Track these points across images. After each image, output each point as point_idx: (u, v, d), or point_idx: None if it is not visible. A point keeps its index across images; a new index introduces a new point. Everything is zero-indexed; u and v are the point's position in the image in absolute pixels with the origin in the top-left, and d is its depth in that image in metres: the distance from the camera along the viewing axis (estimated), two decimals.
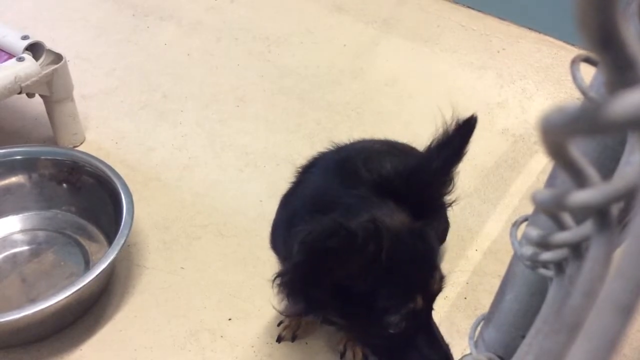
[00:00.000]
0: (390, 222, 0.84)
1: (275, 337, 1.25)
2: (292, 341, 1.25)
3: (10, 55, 1.45)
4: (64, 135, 1.63)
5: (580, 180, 0.27)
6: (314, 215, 0.85)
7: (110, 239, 1.33)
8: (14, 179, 1.43)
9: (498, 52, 2.13)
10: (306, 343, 1.26)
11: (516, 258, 0.69)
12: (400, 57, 2.08)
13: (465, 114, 0.87)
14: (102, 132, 1.72)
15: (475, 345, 0.74)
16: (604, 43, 0.19)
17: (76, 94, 1.61)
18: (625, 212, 0.27)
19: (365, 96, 1.91)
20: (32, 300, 1.21)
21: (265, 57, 2.02)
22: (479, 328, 0.76)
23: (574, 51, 2.05)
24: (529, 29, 2.23)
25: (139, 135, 1.72)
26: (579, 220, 0.34)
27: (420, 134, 1.03)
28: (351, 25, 2.22)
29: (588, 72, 0.46)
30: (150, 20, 2.17)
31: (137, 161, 1.64)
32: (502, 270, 0.74)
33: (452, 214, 1.29)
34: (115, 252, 1.20)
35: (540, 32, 2.21)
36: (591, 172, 0.27)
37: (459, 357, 0.93)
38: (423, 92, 1.94)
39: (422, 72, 2.03)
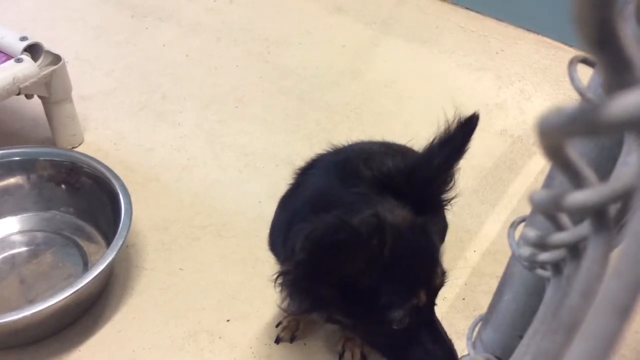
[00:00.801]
0: (392, 217, 0.84)
1: (274, 338, 1.25)
2: (291, 342, 1.25)
3: (9, 56, 1.45)
4: (63, 136, 1.63)
5: (577, 181, 0.27)
6: (315, 214, 0.85)
7: (108, 240, 1.33)
8: (12, 180, 1.43)
9: (496, 53, 2.13)
10: (305, 344, 1.26)
11: (514, 259, 0.69)
12: (400, 58, 2.08)
13: (464, 115, 0.88)
14: (101, 133, 1.72)
15: (473, 346, 0.74)
16: (602, 44, 0.20)
17: (75, 95, 1.61)
18: (623, 213, 0.27)
19: (364, 97, 1.91)
20: (31, 302, 1.21)
21: (264, 58, 2.02)
22: (477, 329, 0.76)
23: (572, 52, 2.05)
24: (528, 30, 2.23)
25: (138, 136, 1.72)
26: (576, 221, 0.34)
27: (419, 135, 1.03)
28: (350, 26, 2.23)
29: (586, 73, 0.46)
30: (149, 21, 2.17)
31: (136, 162, 1.64)
32: (500, 271, 0.75)
33: (450, 214, 1.29)
34: (114, 253, 1.20)
35: (538, 34, 2.21)
36: (588, 173, 0.27)
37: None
38: (422, 93, 1.94)
39: (421, 73, 2.03)
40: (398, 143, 1.23)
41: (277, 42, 2.09)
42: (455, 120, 0.84)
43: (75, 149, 1.63)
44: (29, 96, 1.50)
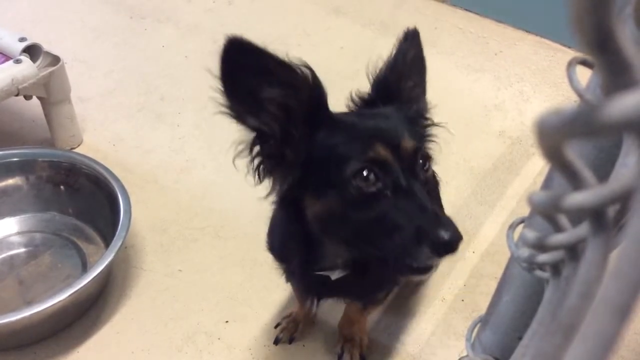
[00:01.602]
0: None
1: (273, 340, 1.25)
2: (290, 343, 1.25)
3: (8, 57, 1.45)
4: (62, 137, 1.63)
5: (576, 182, 0.27)
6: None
7: (107, 241, 1.33)
8: (11, 181, 1.42)
9: (495, 54, 2.13)
10: (303, 345, 1.26)
11: (513, 260, 0.69)
12: None
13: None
14: (100, 134, 1.72)
15: (472, 347, 0.74)
16: (600, 46, 0.20)
17: (73, 96, 1.61)
18: (622, 214, 0.27)
19: None
20: (29, 303, 1.21)
21: None
22: (475, 330, 0.76)
23: (571, 54, 2.05)
24: (526, 31, 2.24)
25: (137, 137, 1.72)
26: (575, 223, 0.34)
27: None
28: (349, 27, 2.23)
29: (585, 75, 0.46)
30: (147, 22, 2.17)
31: (134, 163, 1.63)
32: (499, 272, 0.75)
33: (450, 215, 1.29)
34: (113, 255, 1.20)
35: (537, 35, 2.22)
36: (587, 174, 0.27)
37: (456, 359, 0.93)
38: None
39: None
40: None
41: (275, 43, 2.08)
42: (400, 39, 0.96)
43: (74, 150, 1.63)
44: (27, 97, 1.50)
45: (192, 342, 1.25)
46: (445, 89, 1.96)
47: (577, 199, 0.25)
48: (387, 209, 0.79)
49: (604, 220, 0.26)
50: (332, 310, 1.28)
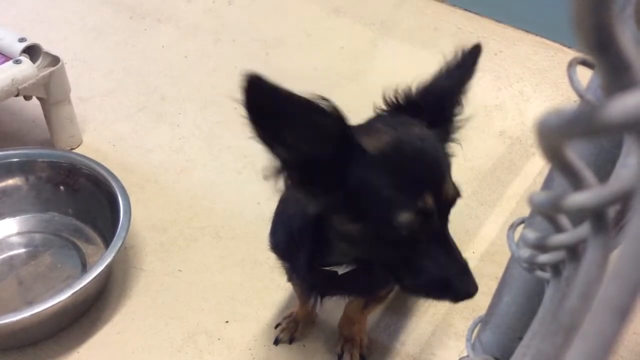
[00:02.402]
0: (400, 127, 0.86)
1: (273, 340, 1.25)
2: (290, 343, 1.25)
3: (7, 58, 1.45)
4: (61, 137, 1.63)
5: (576, 182, 0.27)
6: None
7: (107, 241, 1.33)
8: (10, 182, 1.42)
9: (495, 54, 2.13)
10: (304, 345, 1.26)
11: (513, 260, 0.69)
12: (398, 60, 2.08)
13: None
14: (100, 134, 1.72)
15: (473, 347, 0.74)
16: (600, 46, 0.20)
17: (73, 96, 1.61)
18: (622, 215, 0.27)
19: (363, 98, 1.90)
20: (29, 303, 1.21)
21: (262, 60, 2.02)
22: (476, 330, 0.76)
23: (571, 54, 2.05)
24: (526, 31, 2.23)
25: (137, 137, 1.72)
26: (575, 223, 0.34)
27: None
28: (349, 27, 2.23)
29: (585, 75, 0.46)
30: (147, 22, 2.17)
31: (134, 163, 1.63)
32: (500, 272, 0.75)
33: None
34: (112, 255, 1.20)
35: (537, 35, 2.22)
36: (588, 174, 0.27)
37: (456, 359, 0.93)
38: None
39: (419, 74, 2.03)
40: None
41: (275, 43, 2.09)
42: (460, 52, 0.91)
43: (74, 151, 1.63)
44: (27, 97, 1.50)
45: (192, 342, 1.25)
46: None
47: (578, 199, 0.25)
48: (421, 253, 0.83)
49: (604, 221, 0.26)
50: (332, 310, 1.28)
